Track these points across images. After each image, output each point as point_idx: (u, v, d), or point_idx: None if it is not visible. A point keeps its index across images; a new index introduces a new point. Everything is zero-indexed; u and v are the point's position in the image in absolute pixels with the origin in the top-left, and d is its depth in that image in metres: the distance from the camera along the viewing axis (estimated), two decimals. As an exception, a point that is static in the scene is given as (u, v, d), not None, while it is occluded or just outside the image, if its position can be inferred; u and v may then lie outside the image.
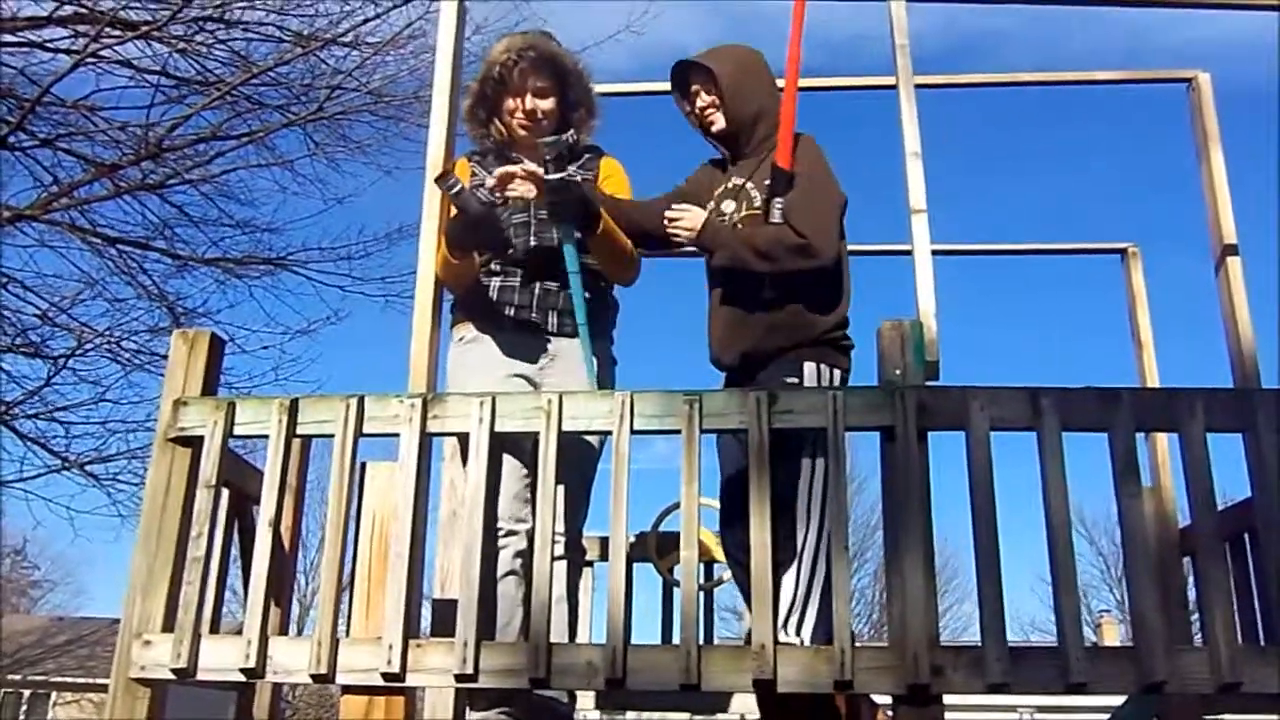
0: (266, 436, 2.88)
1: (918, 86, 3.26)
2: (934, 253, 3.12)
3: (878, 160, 3.45)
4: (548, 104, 3.37)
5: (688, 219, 3.17)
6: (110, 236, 9.43)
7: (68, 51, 8.66)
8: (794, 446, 2.96)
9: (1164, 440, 4.23)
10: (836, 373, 3.11)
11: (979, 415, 2.69)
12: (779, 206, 3.12)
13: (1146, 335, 4.55)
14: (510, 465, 3.06)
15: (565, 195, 3.09)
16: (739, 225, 3.22)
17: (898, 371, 2.75)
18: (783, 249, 3.06)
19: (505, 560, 3.05)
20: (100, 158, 9.00)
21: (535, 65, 3.33)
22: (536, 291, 3.27)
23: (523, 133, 3.37)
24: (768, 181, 3.16)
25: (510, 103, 3.37)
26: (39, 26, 8.71)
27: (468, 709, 3.01)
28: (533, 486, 2.89)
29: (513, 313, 3.25)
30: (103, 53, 8.61)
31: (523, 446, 2.99)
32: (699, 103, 3.36)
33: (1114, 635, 28.03)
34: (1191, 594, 4.08)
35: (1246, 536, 3.51)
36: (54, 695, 26.01)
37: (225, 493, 3.05)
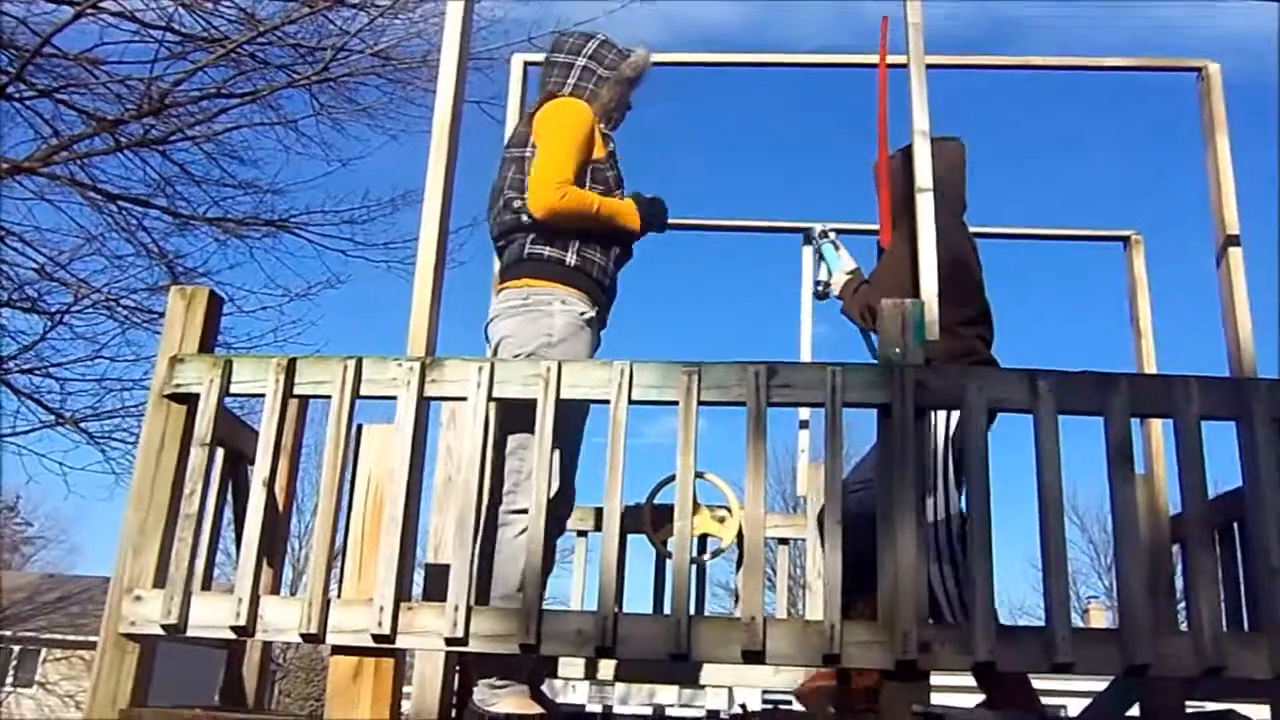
0: (263, 396, 2.87)
1: (929, 67, 3.24)
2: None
3: (891, 138, 3.48)
4: None
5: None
6: (110, 192, 9.38)
7: (70, 3, 8.57)
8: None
9: (1159, 429, 4.24)
10: None
11: (976, 395, 2.70)
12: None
13: (1146, 322, 4.55)
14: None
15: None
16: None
17: (897, 350, 2.76)
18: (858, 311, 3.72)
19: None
20: (101, 112, 8.93)
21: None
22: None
23: (610, 128, 3.60)
24: None
25: (625, 102, 3.64)
26: (43, -23, 8.62)
27: (478, 679, 3.01)
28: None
29: (607, 306, 3.46)
30: (105, 4, 8.52)
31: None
32: None
33: (1101, 622, 28.17)
34: (1179, 583, 4.11)
35: (1236, 525, 3.52)
36: (44, 652, 26.06)
37: (220, 451, 3.05)
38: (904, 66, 3.26)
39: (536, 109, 3.48)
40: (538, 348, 3.16)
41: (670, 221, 3.66)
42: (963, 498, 3.25)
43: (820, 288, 4.04)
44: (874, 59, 4.01)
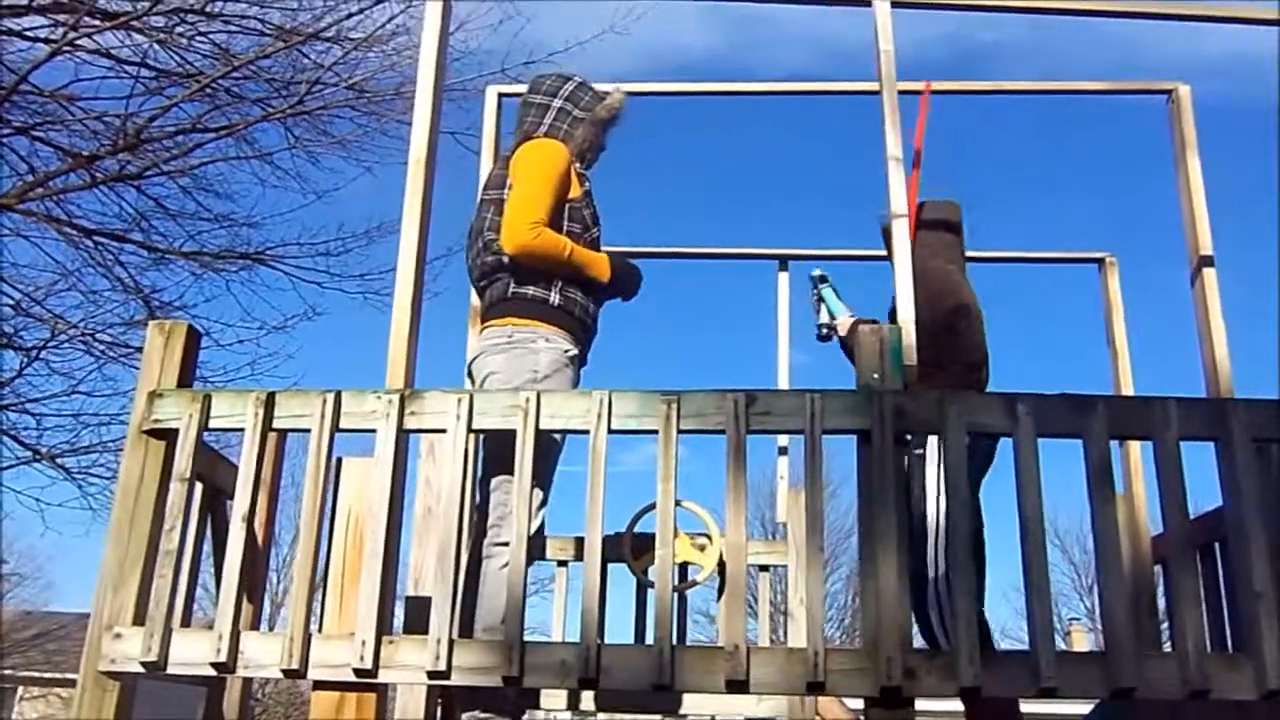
0: (242, 430, 2.86)
1: (901, 92, 3.27)
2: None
3: (867, 165, 3.54)
4: None
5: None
6: (86, 228, 9.33)
7: (46, 40, 8.57)
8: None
9: (1137, 450, 4.27)
10: None
11: (955, 420, 2.71)
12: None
13: (1122, 343, 4.59)
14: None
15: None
16: None
17: (875, 376, 2.76)
18: None
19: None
20: (77, 148, 8.91)
21: None
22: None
23: (584, 168, 3.61)
24: None
25: (599, 143, 3.69)
26: (19, 15, 8.62)
27: (462, 713, 3.00)
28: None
29: (587, 344, 3.47)
30: (81, 42, 8.51)
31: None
32: None
33: (1083, 643, 28.23)
34: (1162, 602, 4.12)
35: (1217, 545, 3.53)
36: (20, 690, 25.69)
37: (199, 486, 3.03)
38: (877, 93, 3.29)
39: (513, 151, 3.51)
40: (524, 384, 3.18)
41: (646, 250, 3.68)
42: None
43: (824, 330, 4.18)
44: (853, 85, 4.06)
